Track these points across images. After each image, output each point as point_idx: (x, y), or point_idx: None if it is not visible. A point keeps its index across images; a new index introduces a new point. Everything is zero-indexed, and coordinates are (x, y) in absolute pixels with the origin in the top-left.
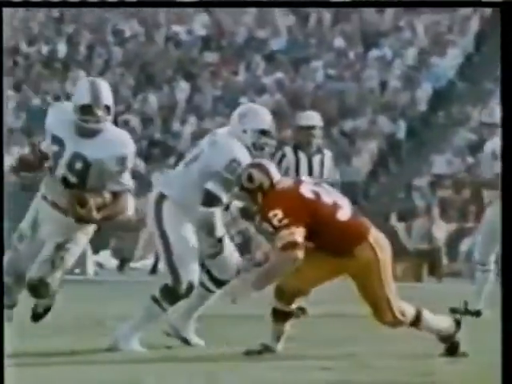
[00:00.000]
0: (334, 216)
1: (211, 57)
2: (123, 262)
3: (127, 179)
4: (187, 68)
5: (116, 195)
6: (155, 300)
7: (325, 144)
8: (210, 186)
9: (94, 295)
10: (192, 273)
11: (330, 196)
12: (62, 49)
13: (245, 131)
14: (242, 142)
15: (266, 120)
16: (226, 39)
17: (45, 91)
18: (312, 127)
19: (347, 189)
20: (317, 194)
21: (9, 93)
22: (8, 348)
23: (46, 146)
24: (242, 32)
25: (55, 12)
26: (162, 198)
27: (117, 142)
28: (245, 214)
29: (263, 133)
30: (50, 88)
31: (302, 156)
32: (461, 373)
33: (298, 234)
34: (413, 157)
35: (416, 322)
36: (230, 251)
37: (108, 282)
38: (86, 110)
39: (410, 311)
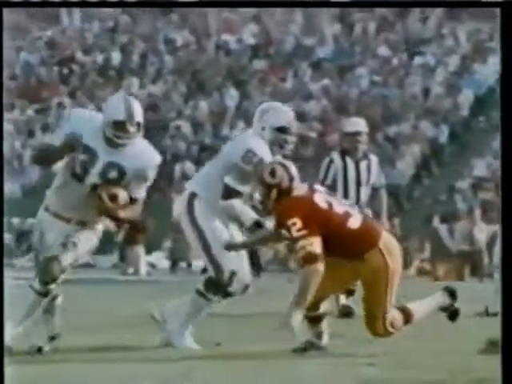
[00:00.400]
0: (345, 224)
1: (260, 64)
2: (175, 263)
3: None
4: (237, 75)
5: (134, 201)
6: (200, 293)
7: (370, 149)
8: (228, 180)
9: (146, 295)
10: (232, 262)
11: (341, 205)
12: (116, 57)
13: (263, 128)
14: (262, 139)
15: (284, 118)
16: (274, 47)
17: (99, 98)
18: (358, 133)
19: (391, 191)
20: (329, 204)
21: (65, 100)
22: (61, 343)
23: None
24: (290, 40)
25: (110, 22)
26: (192, 196)
27: (147, 154)
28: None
29: (282, 130)
30: (103, 95)
31: (349, 161)
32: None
33: (316, 244)
34: (455, 160)
35: (408, 321)
36: (242, 265)
37: (160, 282)
38: (119, 126)
39: (399, 319)
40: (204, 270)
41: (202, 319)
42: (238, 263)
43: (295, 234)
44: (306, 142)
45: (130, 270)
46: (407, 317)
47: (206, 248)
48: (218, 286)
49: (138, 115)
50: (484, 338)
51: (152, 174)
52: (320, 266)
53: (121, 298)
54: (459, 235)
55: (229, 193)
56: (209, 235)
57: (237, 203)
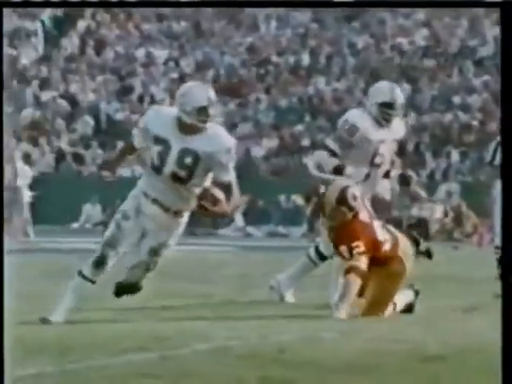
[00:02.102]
0: (383, 247)
1: (429, 63)
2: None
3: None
4: (409, 73)
5: (228, 187)
6: (310, 258)
7: None
8: (328, 141)
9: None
10: None
11: (380, 227)
12: (305, 59)
13: (372, 105)
14: (370, 115)
15: (388, 94)
16: (442, 48)
17: (290, 94)
18: None
19: None
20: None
21: (261, 95)
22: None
23: (138, 142)
24: (455, 42)
25: (301, 29)
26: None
27: (221, 136)
28: None
29: (387, 106)
30: (294, 91)
31: None
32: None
33: (364, 262)
34: None
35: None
36: None
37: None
38: (201, 112)
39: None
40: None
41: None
42: None
43: (355, 254)
44: (469, 129)
45: (318, 239)
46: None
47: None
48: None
49: (215, 99)
50: None
51: (226, 158)
52: (358, 280)
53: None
54: None
55: (324, 149)
56: None
57: (322, 152)
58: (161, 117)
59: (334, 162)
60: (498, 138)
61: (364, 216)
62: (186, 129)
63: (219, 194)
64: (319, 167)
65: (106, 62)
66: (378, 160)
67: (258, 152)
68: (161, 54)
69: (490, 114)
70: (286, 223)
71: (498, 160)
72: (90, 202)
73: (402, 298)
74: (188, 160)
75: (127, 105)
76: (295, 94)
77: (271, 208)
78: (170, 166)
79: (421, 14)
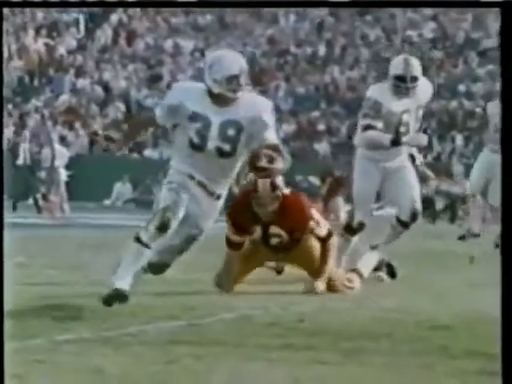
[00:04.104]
0: None
1: (437, 54)
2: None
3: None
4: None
5: (275, 148)
6: (343, 233)
7: None
8: (365, 120)
9: None
10: (364, 213)
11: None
12: (321, 50)
13: (390, 78)
14: (390, 88)
15: (400, 67)
16: (449, 40)
17: (308, 82)
18: None
19: None
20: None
21: (281, 83)
22: None
23: (162, 120)
24: (461, 34)
25: (317, 22)
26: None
27: (258, 98)
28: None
29: (400, 79)
30: (311, 80)
31: None
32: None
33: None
34: None
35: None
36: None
37: None
38: (232, 81)
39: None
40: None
41: None
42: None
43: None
44: (472, 116)
45: (332, 216)
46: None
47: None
48: (350, 229)
49: (246, 68)
50: None
51: (269, 118)
52: None
53: None
54: None
55: (368, 128)
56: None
57: (370, 132)
58: (192, 92)
59: (387, 136)
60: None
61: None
62: (219, 101)
63: (271, 153)
64: (371, 146)
65: (136, 52)
66: (402, 129)
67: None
68: (187, 44)
69: (495, 101)
70: None
71: None
72: (120, 181)
73: (366, 263)
74: (231, 132)
75: (156, 92)
76: (312, 82)
77: (290, 188)
78: (214, 142)
79: (429, 9)
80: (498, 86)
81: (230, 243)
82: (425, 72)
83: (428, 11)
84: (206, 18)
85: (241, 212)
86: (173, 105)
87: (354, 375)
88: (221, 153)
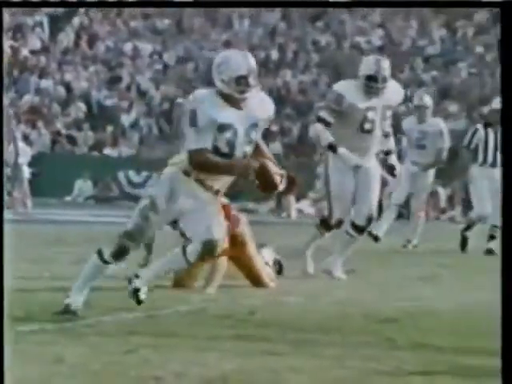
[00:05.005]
0: None
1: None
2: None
3: None
4: None
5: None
6: (318, 227)
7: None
8: (321, 112)
9: (295, 232)
10: (342, 211)
11: None
12: (274, 54)
13: (360, 77)
14: (358, 85)
15: (373, 67)
16: (396, 47)
17: (261, 85)
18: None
19: None
20: None
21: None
22: None
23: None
24: (407, 41)
25: (270, 27)
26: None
27: (267, 101)
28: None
29: (371, 78)
30: (264, 82)
31: (491, 132)
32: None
33: None
34: None
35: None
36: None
37: (307, 224)
38: (241, 81)
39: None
40: None
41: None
42: (346, 214)
43: None
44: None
45: (283, 214)
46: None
47: (328, 193)
48: (326, 225)
49: (255, 67)
50: None
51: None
52: None
53: (276, 235)
54: None
55: (319, 120)
56: (333, 183)
57: (319, 126)
58: (215, 102)
59: (329, 139)
60: (477, 126)
61: None
62: (231, 101)
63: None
64: (314, 139)
65: (97, 54)
66: (367, 126)
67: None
68: (146, 47)
69: (437, 105)
70: (256, 200)
71: (473, 144)
72: (81, 179)
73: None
74: (253, 135)
75: (116, 92)
76: (265, 85)
77: (244, 186)
78: (241, 148)
79: (376, 16)
80: (442, 91)
81: None
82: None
83: (376, 18)
84: (164, 22)
85: None
86: (209, 119)
87: (303, 366)
88: (244, 156)
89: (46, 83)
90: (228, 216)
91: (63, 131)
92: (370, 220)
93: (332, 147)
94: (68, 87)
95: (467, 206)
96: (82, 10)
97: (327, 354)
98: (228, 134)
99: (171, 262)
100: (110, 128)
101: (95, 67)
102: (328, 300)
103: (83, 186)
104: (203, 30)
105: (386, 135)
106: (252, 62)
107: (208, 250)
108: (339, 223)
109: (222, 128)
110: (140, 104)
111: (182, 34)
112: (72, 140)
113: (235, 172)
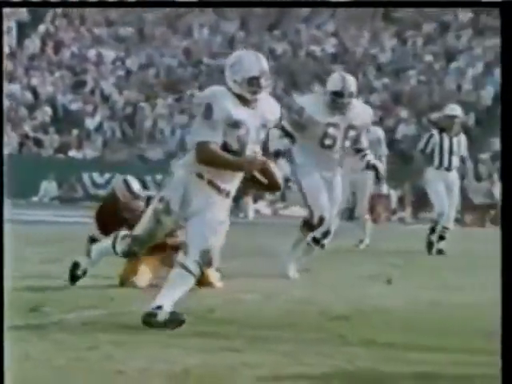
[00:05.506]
0: None
1: (338, 68)
2: (275, 210)
3: None
4: (320, 76)
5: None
6: (301, 229)
7: (417, 129)
8: (284, 122)
9: (253, 232)
10: (322, 208)
11: None
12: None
13: (325, 92)
14: (323, 100)
15: (339, 83)
16: (349, 55)
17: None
18: (455, 116)
19: None
20: None
21: (194, 92)
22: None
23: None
24: (359, 50)
25: (229, 36)
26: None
27: (274, 103)
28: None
29: (337, 94)
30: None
31: (445, 137)
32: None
33: None
34: (479, 138)
35: None
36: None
37: (264, 224)
38: (253, 82)
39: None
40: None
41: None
42: (326, 210)
43: None
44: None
45: (241, 215)
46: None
47: (303, 195)
48: (309, 226)
49: (267, 69)
50: None
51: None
52: None
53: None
54: (482, 192)
55: (280, 128)
56: (305, 185)
57: (274, 131)
58: (230, 99)
59: (278, 145)
60: (432, 131)
61: None
62: (244, 101)
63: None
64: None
65: (62, 60)
66: (327, 141)
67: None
68: (109, 54)
69: (388, 111)
70: None
71: (429, 149)
72: (47, 179)
73: None
74: (262, 135)
75: (80, 97)
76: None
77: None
78: (251, 147)
79: (330, 25)
80: (393, 97)
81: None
82: (325, 85)
83: (330, 28)
84: (127, 29)
85: (108, 215)
86: (224, 116)
87: (260, 362)
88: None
89: (13, 87)
90: None
91: (30, 134)
92: (326, 233)
93: (277, 154)
94: (35, 92)
95: (417, 207)
96: (47, 16)
97: (282, 350)
98: (240, 132)
99: (182, 284)
100: (74, 131)
101: (61, 72)
102: (283, 298)
103: (49, 187)
104: (164, 38)
105: (359, 150)
106: (264, 63)
107: (206, 262)
108: (321, 221)
109: (235, 125)
110: (104, 108)
111: (143, 41)
112: (38, 142)
113: (242, 167)
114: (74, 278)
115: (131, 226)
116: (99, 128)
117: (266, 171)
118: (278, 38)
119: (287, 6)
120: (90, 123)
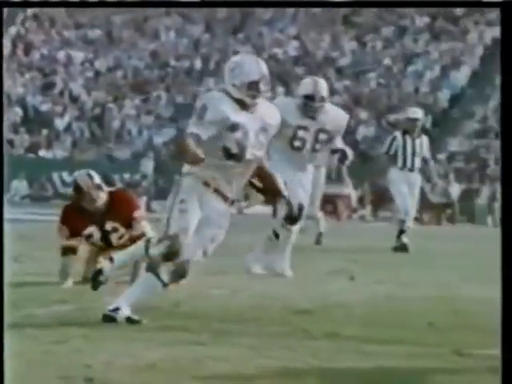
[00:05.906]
0: None
1: (299, 70)
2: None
3: None
4: (283, 78)
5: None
6: (282, 225)
7: (377, 131)
8: None
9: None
10: (299, 198)
11: None
12: (198, 64)
13: (297, 96)
14: (295, 104)
15: (310, 87)
16: (310, 58)
17: (186, 92)
18: (417, 119)
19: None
20: None
21: (161, 93)
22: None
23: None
24: (320, 53)
25: (194, 38)
26: None
27: (274, 108)
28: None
29: (309, 98)
30: (189, 90)
31: (408, 139)
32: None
33: None
34: (436, 139)
35: None
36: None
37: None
38: (252, 86)
39: None
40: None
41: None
42: (303, 198)
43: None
44: None
45: None
46: None
47: None
48: (291, 218)
49: (267, 73)
50: None
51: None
52: None
53: None
54: (438, 192)
55: None
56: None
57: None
58: (227, 102)
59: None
60: (395, 133)
61: None
62: (242, 105)
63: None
64: None
65: (32, 61)
66: (297, 143)
67: (158, 140)
68: (78, 55)
69: (348, 113)
70: None
71: (392, 150)
72: (17, 178)
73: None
74: (262, 138)
75: (50, 98)
76: (190, 92)
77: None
78: (251, 150)
79: (292, 29)
80: (352, 99)
81: (66, 249)
82: (287, 86)
83: (292, 31)
84: (95, 32)
85: (72, 213)
86: (221, 118)
87: (224, 355)
88: (254, 159)
89: None
90: (126, 200)
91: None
92: (295, 219)
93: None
94: (5, 93)
95: (377, 205)
96: (18, 19)
97: (246, 343)
98: (238, 134)
99: (148, 290)
100: (44, 131)
101: (31, 74)
102: (248, 293)
103: (19, 186)
104: (132, 40)
105: (334, 151)
106: (264, 68)
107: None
108: (300, 210)
109: (232, 128)
110: (73, 109)
111: (112, 43)
112: (9, 142)
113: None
114: (95, 284)
115: (92, 218)
116: (68, 128)
117: (272, 180)
118: (241, 41)
119: (250, 5)
120: (60, 124)
